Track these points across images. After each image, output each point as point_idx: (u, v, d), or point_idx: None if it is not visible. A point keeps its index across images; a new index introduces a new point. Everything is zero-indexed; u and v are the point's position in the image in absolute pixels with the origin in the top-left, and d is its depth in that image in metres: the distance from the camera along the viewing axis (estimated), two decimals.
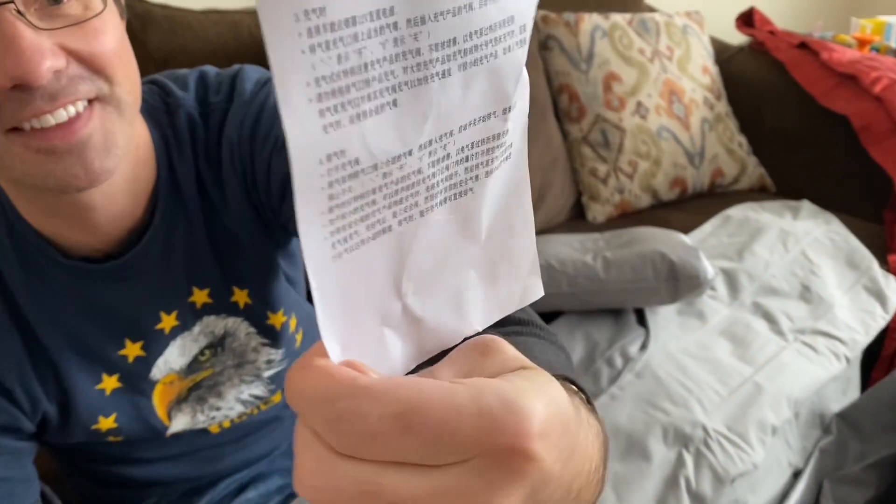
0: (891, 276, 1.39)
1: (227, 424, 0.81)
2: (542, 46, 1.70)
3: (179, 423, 0.76)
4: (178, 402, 0.75)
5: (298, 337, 0.81)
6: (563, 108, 1.69)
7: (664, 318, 1.20)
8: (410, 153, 0.26)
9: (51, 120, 0.52)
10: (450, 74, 0.25)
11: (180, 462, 0.80)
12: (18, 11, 0.49)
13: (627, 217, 1.65)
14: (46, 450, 0.76)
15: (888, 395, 1.30)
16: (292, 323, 0.78)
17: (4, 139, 0.52)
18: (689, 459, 0.97)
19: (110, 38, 0.54)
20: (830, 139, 1.69)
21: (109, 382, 0.69)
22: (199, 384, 0.75)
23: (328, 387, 0.25)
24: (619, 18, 1.74)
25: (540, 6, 1.69)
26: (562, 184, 1.63)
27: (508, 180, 0.30)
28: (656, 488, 0.95)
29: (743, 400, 1.06)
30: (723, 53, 1.92)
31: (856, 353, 1.25)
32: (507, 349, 0.29)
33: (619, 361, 1.08)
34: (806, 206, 1.52)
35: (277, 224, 0.69)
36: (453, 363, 0.28)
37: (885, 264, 1.47)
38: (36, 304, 0.64)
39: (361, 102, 0.24)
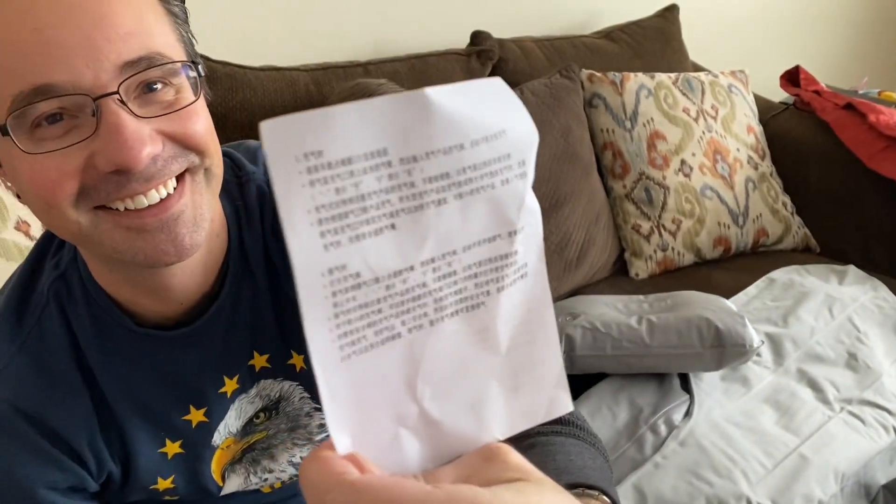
0: None
1: (278, 485, 0.83)
2: (588, 104, 1.72)
3: (233, 484, 0.78)
4: (232, 464, 0.77)
5: None
6: (607, 164, 1.71)
7: (708, 383, 1.19)
8: (412, 268, 0.28)
9: (144, 201, 0.55)
10: (446, 203, 0.28)
11: None
12: (121, 101, 0.52)
13: (670, 274, 1.65)
14: None
15: None
16: None
17: (93, 216, 0.55)
18: None
19: (202, 120, 0.57)
20: (877, 201, 1.68)
21: (172, 448, 0.71)
22: (252, 446, 0.77)
23: (322, 478, 0.28)
24: (664, 78, 1.76)
25: (587, 66, 1.72)
26: (605, 240, 1.64)
27: (526, 297, 0.32)
28: None
29: (788, 473, 1.05)
30: (766, 112, 1.92)
31: None
32: (510, 458, 0.30)
33: (663, 429, 1.08)
34: (852, 270, 1.51)
35: None
36: (456, 467, 0.30)
37: None
38: (107, 368, 0.67)
39: (360, 226, 0.27)
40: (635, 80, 1.73)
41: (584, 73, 1.73)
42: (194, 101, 0.56)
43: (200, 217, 0.58)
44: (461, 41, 1.73)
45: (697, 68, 2.04)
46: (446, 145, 0.28)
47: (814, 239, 1.78)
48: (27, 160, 0.53)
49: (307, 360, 0.75)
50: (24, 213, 1.05)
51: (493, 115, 0.29)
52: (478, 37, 1.71)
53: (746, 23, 2.48)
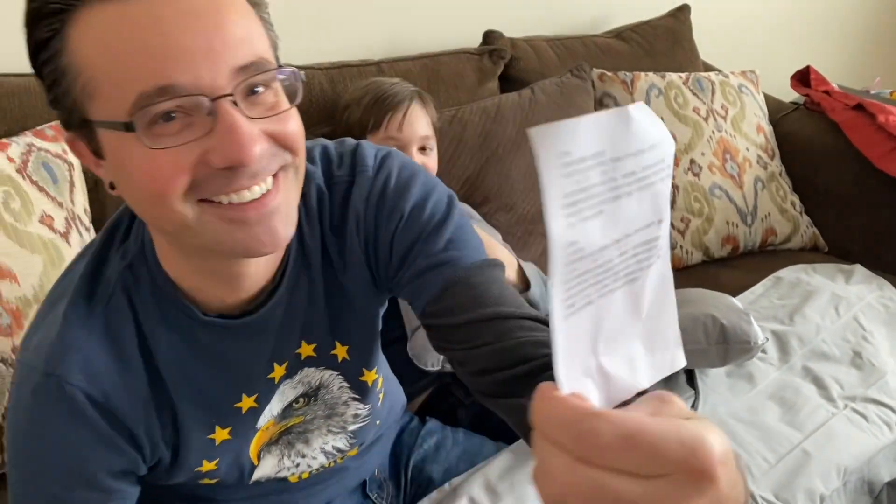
0: None
1: (305, 475, 0.86)
2: (599, 103, 1.74)
3: (266, 465, 0.81)
4: (269, 445, 0.81)
5: (381, 396, 0.86)
6: None
7: (714, 379, 1.22)
8: (608, 247, 0.37)
9: (247, 195, 0.59)
10: (630, 194, 0.37)
11: (268, 499, 0.85)
12: (234, 102, 0.55)
13: (678, 272, 1.66)
14: None
15: None
16: (380, 381, 0.84)
17: (198, 208, 0.58)
18: None
19: (296, 121, 0.62)
20: (885, 202, 1.69)
21: (221, 434, 0.75)
22: (289, 429, 0.81)
23: (572, 411, 0.33)
24: (674, 77, 1.78)
25: (598, 65, 1.73)
26: None
27: (659, 273, 0.40)
28: None
29: (791, 468, 1.07)
30: (776, 112, 1.93)
31: None
32: (679, 402, 0.36)
33: None
34: (859, 270, 1.52)
35: (385, 287, 0.76)
36: (641, 407, 0.36)
37: None
38: (169, 356, 0.70)
39: (586, 210, 0.35)
40: (646, 79, 1.75)
41: (596, 72, 1.75)
42: (291, 106, 0.60)
43: (292, 211, 0.63)
44: (474, 41, 1.75)
45: (709, 68, 2.05)
46: (637, 149, 0.37)
47: (822, 238, 1.79)
48: (144, 154, 0.56)
49: (350, 352, 0.79)
50: (49, 207, 1.08)
51: (653, 128, 0.38)
52: (490, 36, 1.73)
53: (758, 23, 2.49)
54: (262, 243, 0.60)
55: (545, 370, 0.61)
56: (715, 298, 1.22)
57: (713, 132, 1.74)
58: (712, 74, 1.84)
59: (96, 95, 0.56)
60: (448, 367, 1.10)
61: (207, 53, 0.55)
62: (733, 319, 1.16)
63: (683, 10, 2.03)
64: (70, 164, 1.14)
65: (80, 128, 0.59)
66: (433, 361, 1.12)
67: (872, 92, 2.52)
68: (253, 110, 0.57)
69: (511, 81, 1.71)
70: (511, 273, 1.14)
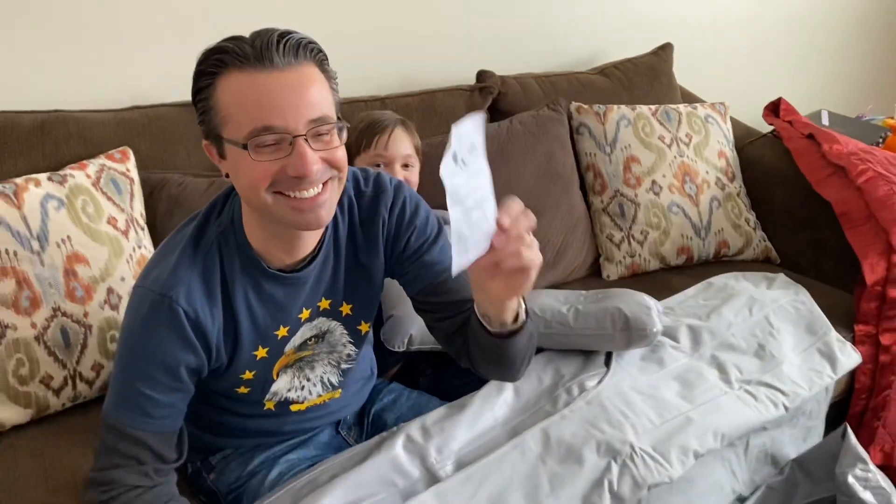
0: (847, 343, 1.61)
1: (303, 407, 1.22)
2: (576, 132, 2.03)
3: (281, 381, 1.18)
4: (286, 367, 1.17)
5: (368, 346, 1.28)
6: (589, 183, 2.01)
7: (628, 361, 1.48)
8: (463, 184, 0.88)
9: (305, 194, 0.95)
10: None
11: (263, 421, 1.22)
12: (306, 139, 0.92)
13: (637, 277, 1.94)
14: None
15: (836, 447, 1.53)
16: (370, 333, 1.25)
17: (274, 197, 0.96)
18: (615, 468, 1.25)
19: (342, 151, 0.98)
20: (825, 220, 1.91)
21: (261, 352, 1.11)
22: (302, 359, 1.18)
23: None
24: (644, 109, 2.05)
25: (579, 99, 2.02)
26: (580, 246, 1.94)
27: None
28: (585, 486, 1.23)
29: (672, 428, 1.33)
30: (745, 139, 2.18)
31: (795, 404, 1.48)
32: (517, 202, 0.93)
33: (575, 391, 1.38)
34: (781, 277, 1.76)
35: (391, 271, 1.19)
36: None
37: (851, 333, 1.70)
38: (240, 293, 1.06)
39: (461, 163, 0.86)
40: (618, 111, 2.03)
41: (574, 105, 2.04)
42: (340, 144, 0.98)
43: (333, 206, 1.01)
44: (471, 78, 2.07)
45: (692, 99, 2.31)
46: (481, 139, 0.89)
47: (775, 252, 2.03)
48: (249, 163, 0.93)
49: (353, 309, 1.18)
50: (114, 211, 1.46)
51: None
52: (482, 74, 2.05)
53: (758, 56, 2.72)
54: (309, 223, 0.98)
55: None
56: (629, 295, 1.49)
57: (675, 157, 2.00)
58: (681, 106, 2.10)
59: (227, 123, 0.94)
60: (412, 347, 1.42)
61: (294, 109, 0.92)
62: (636, 311, 1.43)
63: (665, 49, 2.30)
64: (131, 180, 1.52)
65: (215, 140, 0.97)
66: (398, 344, 1.43)
67: (865, 119, 2.72)
68: (316, 144, 0.94)
69: (501, 113, 2.02)
70: None
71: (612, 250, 1.95)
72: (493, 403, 1.35)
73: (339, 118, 0.97)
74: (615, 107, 2.03)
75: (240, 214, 1.05)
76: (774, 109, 2.24)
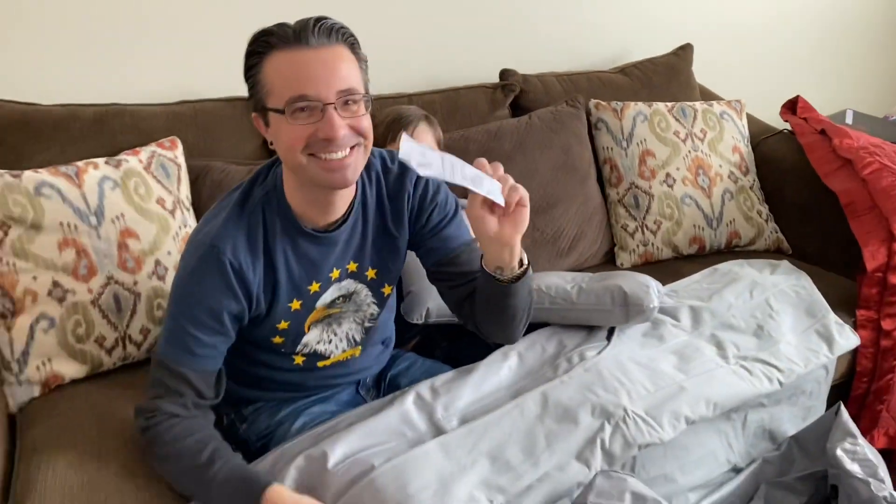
0: (846, 326, 1.68)
1: (328, 363, 1.36)
2: (594, 127, 2.14)
3: (311, 335, 1.33)
4: (316, 322, 1.32)
5: (389, 307, 1.42)
6: (606, 175, 2.12)
7: (630, 336, 1.58)
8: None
9: (334, 156, 1.10)
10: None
11: (291, 375, 1.36)
12: (335, 108, 1.08)
13: (650, 265, 2.03)
14: None
15: (831, 424, 1.60)
16: (393, 296, 1.41)
17: (308, 158, 1.11)
18: (608, 428, 1.35)
19: (367, 120, 1.13)
20: (833, 211, 1.98)
21: (295, 304, 1.26)
22: (330, 315, 1.33)
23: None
24: (660, 106, 2.15)
25: (598, 97, 2.13)
26: (596, 235, 2.05)
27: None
28: (578, 443, 1.33)
29: (665, 395, 1.42)
30: (761, 135, 2.26)
31: (790, 380, 1.56)
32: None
33: (575, 359, 1.48)
34: (784, 263, 1.83)
35: (412, 241, 1.35)
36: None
37: (853, 318, 1.76)
38: (279, 248, 1.22)
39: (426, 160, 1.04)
40: (635, 107, 2.13)
41: (593, 102, 2.15)
42: (366, 113, 1.13)
43: (357, 168, 1.15)
44: (495, 77, 2.20)
45: (711, 97, 2.40)
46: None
47: (787, 242, 2.10)
48: (287, 128, 1.09)
49: (377, 273, 1.33)
50: (163, 193, 1.62)
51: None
52: (505, 73, 2.17)
53: (786, 57, 2.79)
54: (336, 182, 1.14)
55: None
56: (631, 276, 1.59)
57: (689, 151, 2.10)
58: (697, 103, 2.19)
59: (271, 95, 1.10)
60: (429, 320, 1.56)
61: (325, 81, 1.08)
62: (635, 289, 1.53)
63: (686, 49, 2.39)
64: (178, 166, 1.69)
65: (261, 111, 1.14)
66: (416, 317, 1.56)
67: (892, 118, 2.76)
68: (344, 113, 1.09)
69: (522, 110, 2.14)
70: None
71: (626, 239, 2.05)
72: (499, 368, 1.47)
73: (366, 92, 1.13)
74: (632, 103, 2.13)
75: (282, 180, 1.21)
76: (792, 107, 2.31)
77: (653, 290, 1.54)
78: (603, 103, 2.14)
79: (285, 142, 1.11)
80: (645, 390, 1.44)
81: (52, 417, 1.35)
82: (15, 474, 1.23)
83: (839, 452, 1.50)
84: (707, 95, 2.40)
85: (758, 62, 2.71)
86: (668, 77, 2.30)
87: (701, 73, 2.45)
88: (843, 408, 1.57)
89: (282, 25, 1.10)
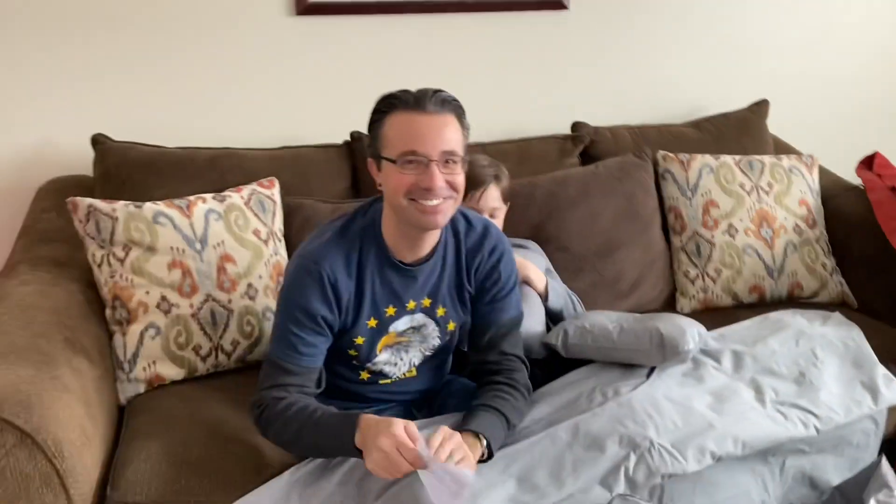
0: (895, 380, 1.70)
1: (388, 382, 1.56)
2: (662, 177, 2.24)
3: (381, 357, 1.52)
4: (387, 346, 1.52)
5: (450, 339, 1.60)
6: (671, 223, 2.21)
7: (669, 375, 1.65)
8: None
9: (429, 204, 1.32)
10: None
11: (355, 386, 1.56)
12: (437, 164, 1.30)
13: (709, 311, 2.10)
14: None
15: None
16: (456, 332, 1.59)
17: (408, 202, 1.32)
18: (633, 457, 1.44)
19: (461, 177, 1.36)
20: None
21: (372, 322, 1.46)
22: (400, 342, 1.53)
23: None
24: (728, 159, 2.23)
25: (668, 149, 2.24)
26: (657, 280, 2.14)
27: None
28: (603, 470, 1.43)
29: (693, 431, 1.48)
30: (833, 190, 2.29)
31: (828, 427, 1.59)
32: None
33: (610, 394, 1.57)
34: (836, 315, 1.85)
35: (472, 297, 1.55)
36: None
37: None
38: (369, 274, 1.43)
39: None
40: (701, 159, 2.22)
41: (661, 153, 2.26)
42: (461, 172, 1.36)
43: (447, 216, 1.37)
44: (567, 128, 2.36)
45: (789, 151, 2.44)
46: None
47: (852, 296, 2.11)
48: (397, 175, 1.32)
49: (446, 312, 1.53)
50: (259, 225, 1.87)
51: None
52: (577, 125, 2.32)
53: (873, 113, 2.79)
54: (428, 224, 1.35)
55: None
56: (671, 318, 1.68)
57: (754, 203, 2.16)
58: (766, 157, 2.26)
59: (387, 146, 1.33)
60: None
61: (433, 142, 1.30)
62: (671, 331, 1.62)
63: (761, 105, 2.46)
64: (274, 202, 1.94)
65: (376, 158, 1.37)
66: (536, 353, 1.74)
67: None
68: (444, 169, 1.32)
69: (591, 160, 2.28)
70: (539, 286, 1.76)
71: (686, 286, 2.13)
72: (535, 406, 1.60)
73: (464, 156, 1.36)
74: (699, 156, 2.23)
75: (380, 217, 1.43)
76: (869, 163, 2.33)
77: (689, 334, 1.62)
78: (670, 155, 2.24)
79: (392, 186, 1.33)
80: (674, 425, 1.52)
81: (152, 411, 1.60)
82: (117, 454, 1.47)
83: (871, 502, 1.53)
84: (783, 149, 2.45)
85: (840, 117, 2.72)
86: (740, 131, 2.38)
87: (781, 127, 2.51)
88: (884, 460, 1.59)
89: (405, 92, 1.34)
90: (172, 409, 1.60)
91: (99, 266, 1.70)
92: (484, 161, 1.95)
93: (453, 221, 1.49)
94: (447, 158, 1.32)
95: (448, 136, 1.32)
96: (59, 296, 1.65)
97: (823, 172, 2.35)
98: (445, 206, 1.35)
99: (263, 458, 1.47)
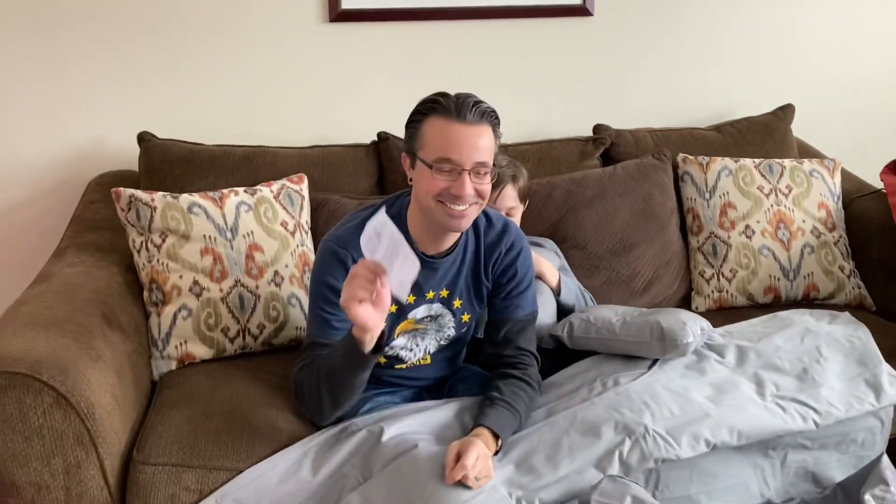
0: None
1: (407, 366, 1.66)
2: (681, 179, 2.29)
3: (399, 340, 1.62)
4: (405, 332, 1.62)
5: (465, 330, 1.68)
6: (689, 224, 2.26)
7: (671, 367, 1.70)
8: None
9: (457, 208, 1.42)
10: None
11: (377, 369, 1.61)
12: (469, 173, 1.40)
13: (723, 310, 2.14)
14: None
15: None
16: (471, 323, 1.67)
17: (436, 203, 1.42)
18: (627, 442, 1.49)
19: (488, 187, 1.44)
20: None
21: (393, 309, 1.51)
22: (416, 329, 1.62)
23: None
24: (747, 162, 2.26)
25: (688, 152, 2.28)
26: (672, 278, 2.19)
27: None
28: (598, 453, 1.48)
29: (689, 419, 1.52)
30: (855, 194, 2.29)
31: (827, 422, 1.61)
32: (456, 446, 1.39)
33: (610, 384, 1.63)
34: (845, 315, 1.86)
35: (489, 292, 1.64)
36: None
37: None
38: None
39: None
40: (721, 162, 2.26)
41: (681, 156, 2.30)
42: (490, 182, 1.45)
43: (471, 220, 1.47)
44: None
45: (813, 155, 2.46)
46: None
47: (871, 299, 2.12)
48: (430, 178, 1.40)
49: (462, 304, 1.62)
50: (286, 217, 1.99)
51: None
52: (598, 128, 2.39)
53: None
54: (453, 227, 1.45)
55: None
56: (673, 312, 1.71)
57: (772, 205, 2.19)
58: (787, 161, 2.28)
59: (423, 148, 1.41)
60: None
61: (467, 151, 1.38)
62: (672, 324, 1.66)
63: (786, 109, 2.48)
64: (302, 197, 2.06)
65: (412, 156, 1.45)
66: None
67: None
68: (475, 178, 1.40)
69: (612, 161, 2.33)
70: (552, 281, 1.84)
71: (702, 285, 2.17)
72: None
73: (494, 164, 1.44)
74: (719, 158, 2.27)
75: (406, 210, 1.52)
76: (894, 167, 2.32)
77: (689, 327, 1.67)
78: (690, 157, 2.28)
79: (424, 187, 1.42)
80: (670, 413, 1.56)
81: (181, 385, 1.73)
82: (146, 422, 1.60)
83: (867, 497, 1.54)
84: (808, 153, 2.46)
85: (868, 121, 2.71)
86: (762, 135, 2.40)
87: (807, 131, 2.53)
88: (884, 456, 1.60)
89: (447, 97, 1.41)
90: (199, 385, 1.72)
91: (138, 251, 1.85)
92: (503, 161, 2.02)
93: (476, 223, 1.57)
94: (479, 169, 1.40)
95: (482, 146, 1.40)
96: (101, 277, 1.79)
97: (847, 176, 2.36)
98: (471, 212, 1.44)
99: (279, 430, 1.57)
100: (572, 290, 1.93)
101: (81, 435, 1.38)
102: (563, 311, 1.90)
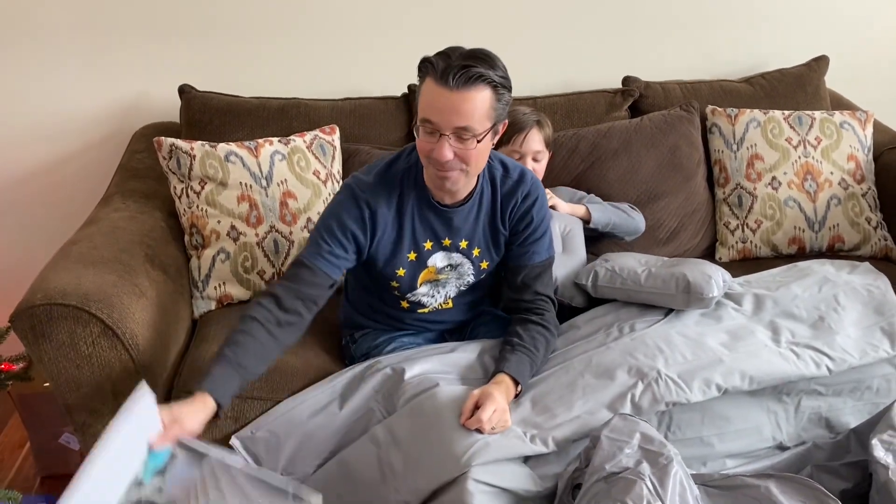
0: None
1: (429, 310, 1.73)
2: (709, 131, 2.30)
3: (421, 290, 1.69)
4: (426, 281, 1.68)
5: (483, 276, 1.74)
6: (716, 176, 2.27)
7: (689, 316, 1.74)
8: None
9: (441, 171, 1.45)
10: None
11: (396, 312, 1.74)
12: (448, 137, 1.40)
13: (746, 261, 2.16)
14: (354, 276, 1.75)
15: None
16: (489, 269, 1.72)
17: (427, 163, 1.47)
18: (640, 385, 1.54)
19: (473, 152, 1.43)
20: None
21: (412, 256, 1.63)
22: (437, 279, 1.69)
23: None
24: (776, 114, 2.26)
25: (717, 104, 2.29)
26: (697, 229, 2.21)
27: None
28: (611, 395, 1.53)
29: (701, 364, 1.57)
30: (889, 145, 2.28)
31: (841, 369, 1.64)
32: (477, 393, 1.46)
33: (626, 329, 1.69)
34: (865, 265, 1.87)
35: (506, 240, 1.68)
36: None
37: None
38: (409, 210, 1.59)
39: None
40: (749, 114, 2.26)
41: (709, 108, 2.31)
42: (475, 147, 1.43)
43: (459, 187, 1.51)
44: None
45: (847, 107, 2.43)
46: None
47: None
48: (420, 138, 1.43)
49: (480, 253, 1.68)
50: (318, 167, 2.07)
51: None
52: (628, 79, 2.40)
53: None
54: (441, 188, 1.50)
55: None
56: (698, 264, 1.74)
57: (799, 157, 2.19)
58: (817, 113, 2.26)
59: (418, 108, 1.41)
60: None
61: (447, 117, 1.38)
62: (697, 277, 1.69)
63: (820, 60, 2.45)
64: (334, 147, 2.13)
65: (415, 113, 1.46)
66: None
67: None
68: (456, 143, 1.40)
69: (641, 113, 2.35)
70: (564, 208, 1.95)
71: (726, 236, 2.19)
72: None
73: (488, 130, 1.42)
74: (747, 110, 2.26)
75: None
76: None
77: (714, 281, 1.70)
78: (718, 109, 2.29)
79: (419, 147, 1.46)
80: (683, 358, 1.61)
81: (219, 322, 1.84)
82: (186, 355, 1.72)
83: (874, 441, 1.57)
84: (841, 105, 2.44)
85: None
86: (794, 87, 2.39)
87: (842, 83, 2.50)
88: (895, 404, 1.63)
89: (438, 58, 1.38)
90: (236, 322, 1.82)
91: (179, 198, 1.95)
92: (526, 109, 2.07)
93: (490, 168, 1.60)
94: (461, 133, 1.39)
95: (465, 111, 1.37)
96: (145, 221, 1.90)
97: (880, 128, 2.34)
98: (455, 176, 1.46)
99: (311, 365, 1.67)
100: (606, 209, 1.98)
101: (127, 364, 1.50)
102: (605, 233, 2.02)
